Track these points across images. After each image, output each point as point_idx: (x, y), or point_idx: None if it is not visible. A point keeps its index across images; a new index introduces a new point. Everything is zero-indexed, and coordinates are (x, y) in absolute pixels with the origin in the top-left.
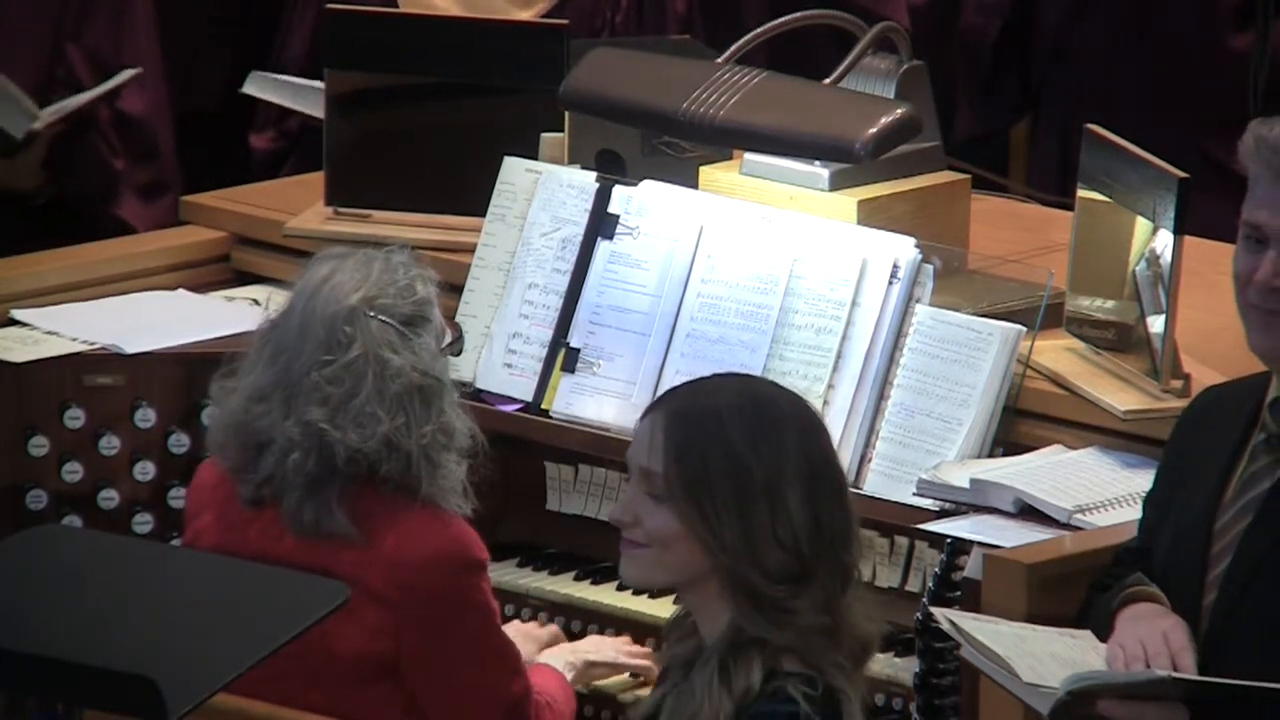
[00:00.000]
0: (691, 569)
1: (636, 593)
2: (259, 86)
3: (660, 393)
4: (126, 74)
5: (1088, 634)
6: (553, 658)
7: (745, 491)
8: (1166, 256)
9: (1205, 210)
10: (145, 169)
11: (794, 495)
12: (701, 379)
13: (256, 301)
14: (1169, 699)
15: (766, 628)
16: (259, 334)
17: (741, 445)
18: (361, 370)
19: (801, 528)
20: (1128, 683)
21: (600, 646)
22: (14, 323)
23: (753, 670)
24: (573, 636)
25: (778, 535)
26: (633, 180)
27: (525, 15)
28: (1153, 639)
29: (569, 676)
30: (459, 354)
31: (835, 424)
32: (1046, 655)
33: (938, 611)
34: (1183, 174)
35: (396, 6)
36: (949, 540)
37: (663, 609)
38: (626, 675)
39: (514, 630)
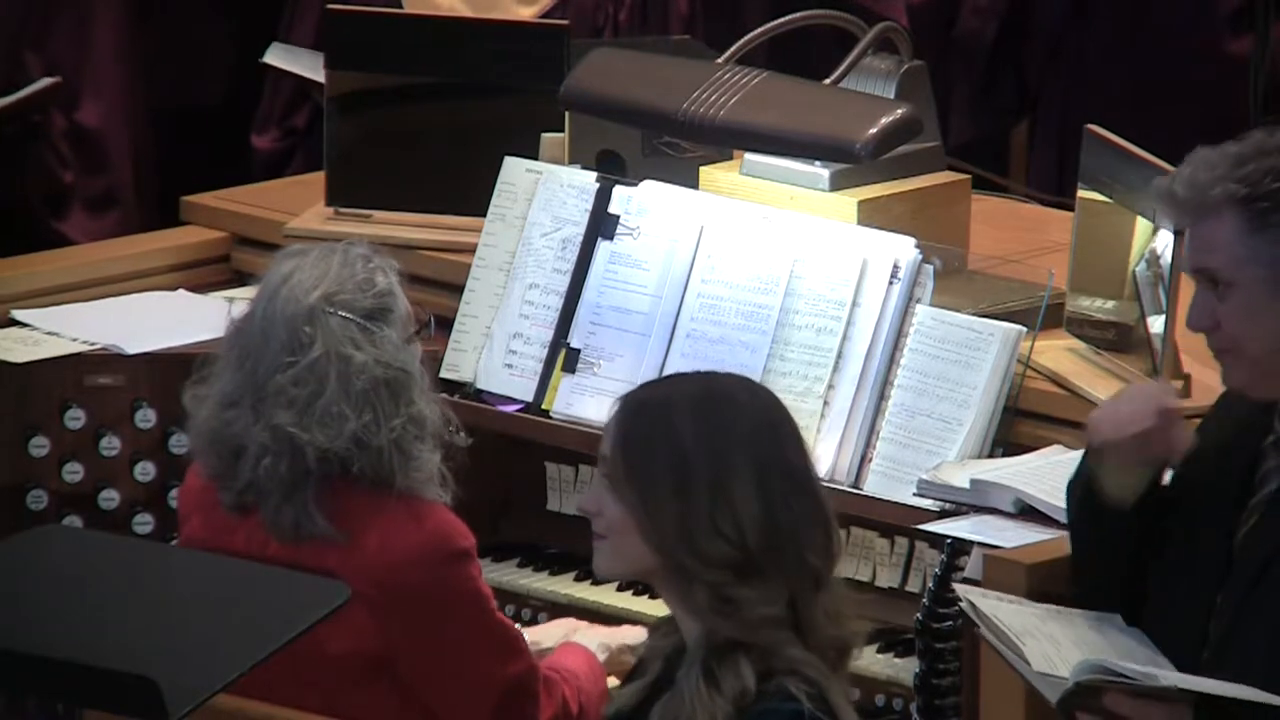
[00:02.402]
0: (643, 560)
1: (637, 593)
2: (279, 57)
3: None
4: (45, 82)
5: (1116, 617)
6: (586, 638)
7: (685, 480)
8: (1166, 256)
9: None
10: (96, 182)
11: (740, 487)
12: (675, 374)
13: (232, 301)
14: (1175, 699)
15: (709, 616)
16: (226, 338)
17: (685, 434)
18: (324, 370)
19: (748, 520)
20: (1134, 685)
21: (640, 635)
22: (14, 323)
23: (741, 671)
24: None
25: (718, 525)
26: (633, 180)
27: (527, 13)
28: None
29: (601, 658)
30: (428, 338)
31: (835, 424)
32: (1067, 640)
33: (960, 589)
34: None
35: (400, 5)
36: (949, 540)
37: (663, 608)
38: None
39: (556, 624)
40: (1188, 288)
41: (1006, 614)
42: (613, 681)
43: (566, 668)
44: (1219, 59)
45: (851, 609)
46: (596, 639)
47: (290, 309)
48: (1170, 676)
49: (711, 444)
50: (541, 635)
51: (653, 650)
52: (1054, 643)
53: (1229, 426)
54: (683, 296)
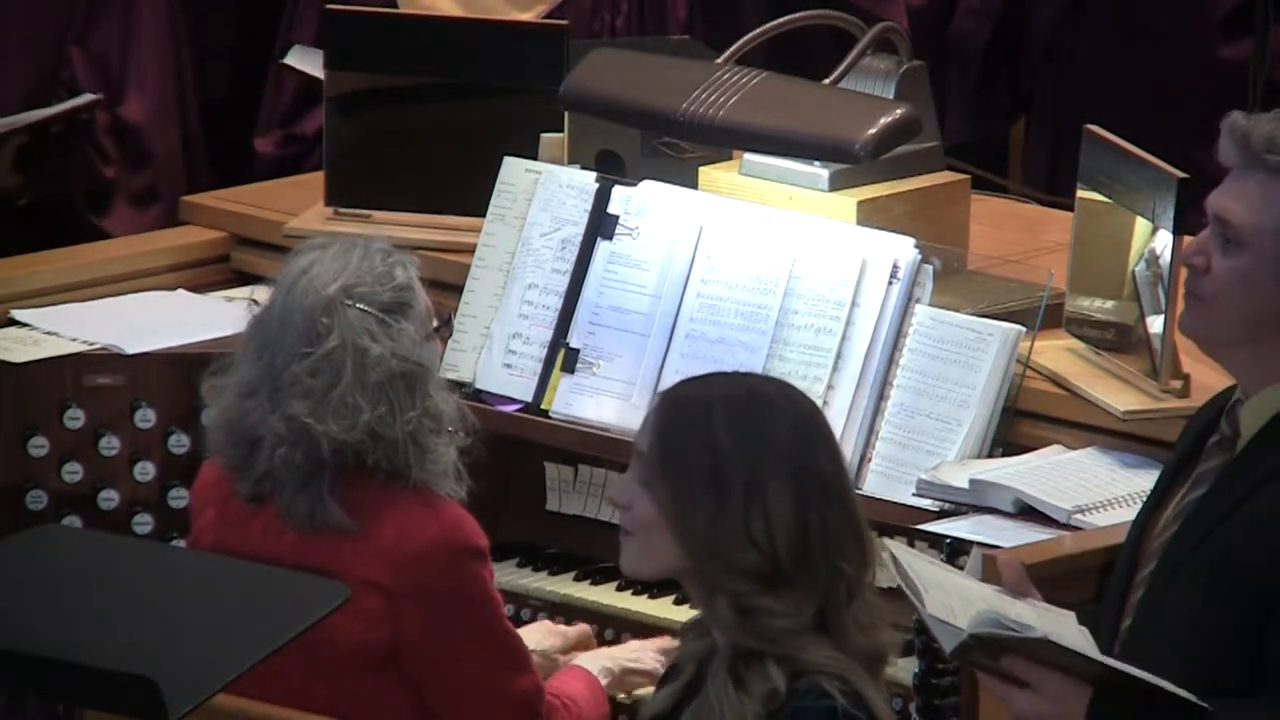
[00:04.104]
0: (672, 560)
1: (637, 593)
2: (300, 59)
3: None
4: (86, 98)
5: (1070, 615)
6: (589, 661)
7: (722, 482)
8: (1166, 257)
9: (1191, 218)
10: (139, 177)
11: (775, 495)
12: (716, 372)
13: (256, 302)
14: (1075, 672)
15: (730, 628)
16: (246, 330)
17: (724, 436)
18: (340, 360)
19: (781, 529)
20: (1016, 638)
21: (641, 654)
22: (14, 323)
23: (769, 674)
24: None
25: (751, 533)
26: (632, 180)
27: (525, 18)
28: None
29: (604, 682)
30: (448, 338)
31: (835, 424)
32: (982, 602)
33: (887, 542)
34: (1182, 174)
35: (396, 7)
36: (948, 540)
37: (663, 609)
38: None
39: (539, 628)
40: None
41: (925, 570)
42: (639, 691)
43: (568, 694)
44: (1212, 63)
45: (885, 618)
46: (599, 662)
47: (309, 300)
48: (1049, 633)
49: (749, 448)
50: (523, 634)
51: (685, 654)
52: (965, 601)
53: (1196, 430)
54: (682, 296)
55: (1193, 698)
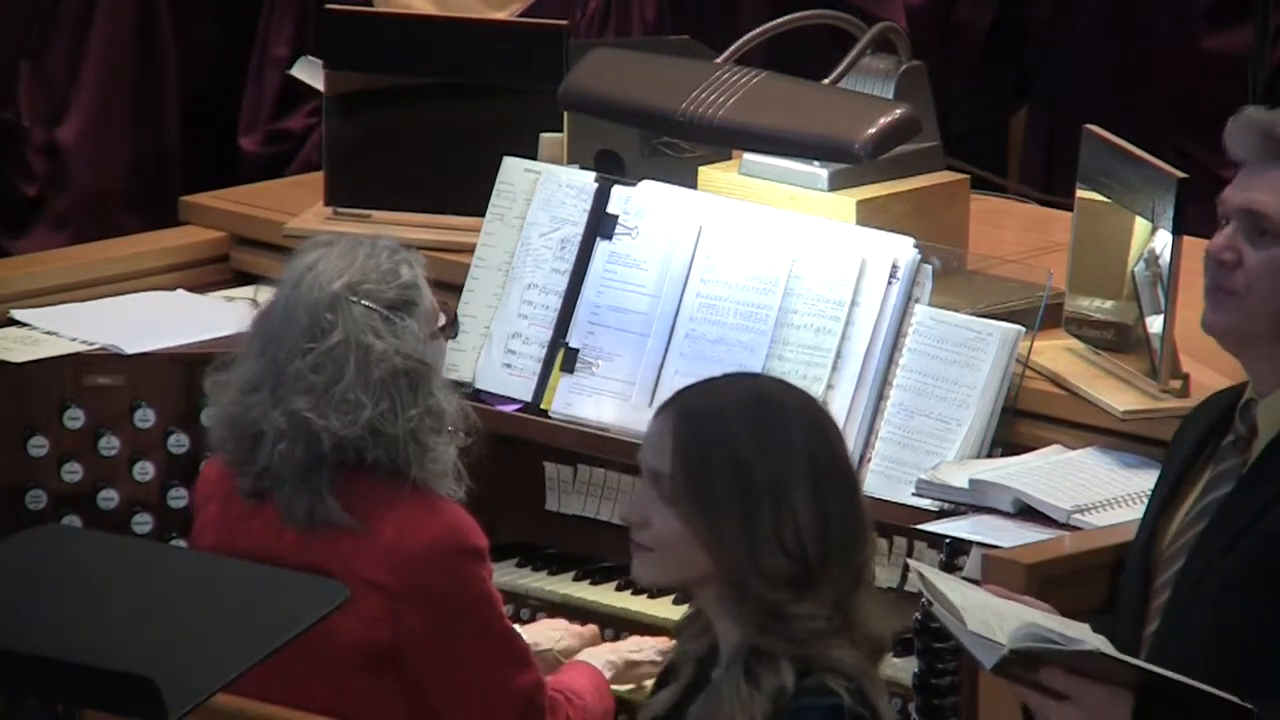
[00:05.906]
0: (697, 571)
1: (636, 593)
2: (307, 71)
3: (661, 393)
4: None
5: (1084, 627)
6: (593, 656)
7: (748, 491)
8: (1165, 256)
9: (1191, 217)
10: (61, 199)
11: (800, 495)
12: (713, 378)
13: (257, 301)
14: (1117, 682)
15: (757, 634)
16: (250, 326)
17: (745, 444)
18: (343, 356)
19: (807, 529)
20: (1064, 651)
21: (643, 646)
22: (14, 323)
23: (781, 670)
24: None
25: (781, 537)
26: (632, 180)
27: (499, 17)
28: None
29: (609, 675)
30: (453, 337)
31: None
32: (1013, 616)
33: (913, 564)
34: (1182, 174)
35: (371, 6)
36: (948, 540)
37: (663, 609)
38: None
39: (558, 626)
40: (1186, 288)
41: (955, 591)
42: (623, 687)
43: (572, 689)
44: (1204, 56)
45: (881, 607)
46: (602, 656)
47: (313, 296)
48: (1097, 642)
49: (771, 453)
50: (537, 635)
51: (684, 654)
52: (998, 616)
53: (1199, 431)
54: (681, 296)
55: (1238, 700)
